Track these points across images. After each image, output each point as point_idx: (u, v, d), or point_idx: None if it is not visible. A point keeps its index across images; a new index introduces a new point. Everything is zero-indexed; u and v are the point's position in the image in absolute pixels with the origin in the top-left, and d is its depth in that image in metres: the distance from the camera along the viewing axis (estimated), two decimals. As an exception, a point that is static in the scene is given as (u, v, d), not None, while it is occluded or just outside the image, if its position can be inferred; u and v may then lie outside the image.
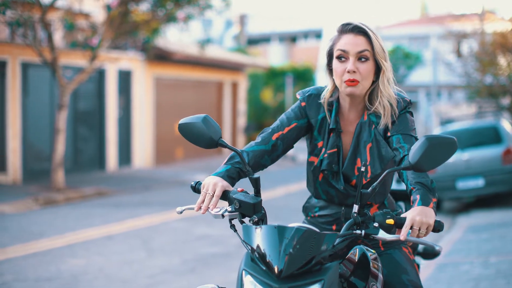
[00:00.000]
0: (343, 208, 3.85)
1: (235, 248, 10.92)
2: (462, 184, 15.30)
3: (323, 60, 3.88)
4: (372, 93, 3.76)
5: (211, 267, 9.67)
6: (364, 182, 3.74)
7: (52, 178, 17.92)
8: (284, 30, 60.83)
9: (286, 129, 3.83)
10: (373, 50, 3.65)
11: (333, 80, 3.79)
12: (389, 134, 3.71)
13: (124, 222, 13.45)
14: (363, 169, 3.27)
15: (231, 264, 9.77)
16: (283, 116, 3.91)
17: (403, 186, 4.93)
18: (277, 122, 3.88)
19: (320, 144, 3.87)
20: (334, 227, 3.91)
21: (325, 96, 3.84)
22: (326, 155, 3.82)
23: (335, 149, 3.81)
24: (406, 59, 39.95)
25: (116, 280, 8.91)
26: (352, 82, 3.63)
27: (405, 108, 3.74)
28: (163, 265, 9.77)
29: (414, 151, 3.23)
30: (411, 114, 3.79)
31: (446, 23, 27.27)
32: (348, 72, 3.62)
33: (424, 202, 3.27)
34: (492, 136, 16.03)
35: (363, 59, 3.64)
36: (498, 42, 21.57)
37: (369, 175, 3.75)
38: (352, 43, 3.64)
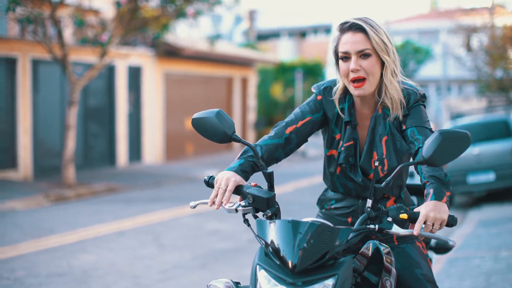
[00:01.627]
0: (360, 200, 3.87)
1: (246, 243, 10.93)
2: (472, 179, 15.27)
3: (332, 56, 3.87)
4: (380, 87, 3.75)
5: (222, 263, 9.68)
6: (382, 175, 3.74)
7: (62, 174, 17.97)
8: (293, 25, 60.75)
9: (300, 123, 3.82)
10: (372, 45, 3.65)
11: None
12: (404, 127, 3.71)
13: (135, 218, 13.47)
14: (376, 163, 3.27)
15: (242, 259, 9.78)
16: (297, 109, 3.90)
17: (415, 181, 4.93)
18: (291, 116, 3.87)
19: (338, 136, 3.87)
20: (349, 220, 3.90)
21: (336, 93, 3.84)
22: (343, 148, 3.82)
23: (352, 142, 3.81)
24: (416, 54, 39.86)
25: (127, 276, 8.93)
26: (359, 83, 3.64)
27: (418, 101, 3.73)
28: (174, 261, 9.79)
29: (427, 146, 3.23)
30: (424, 107, 3.79)
31: (455, 17, 27.19)
32: (352, 71, 3.63)
33: (438, 197, 3.27)
34: (503, 130, 15.99)
35: (365, 56, 3.64)
36: (508, 36, 21.49)
37: (385, 168, 3.75)
38: (351, 42, 3.64)
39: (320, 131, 4.01)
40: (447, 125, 18.19)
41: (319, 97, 3.90)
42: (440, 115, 40.22)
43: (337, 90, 3.84)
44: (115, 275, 8.99)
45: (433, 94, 47.63)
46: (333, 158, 3.90)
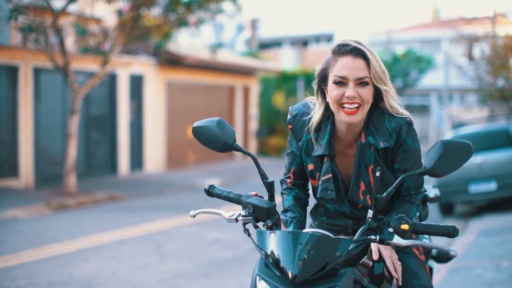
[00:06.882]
0: (350, 220, 3.80)
1: (248, 252, 10.92)
2: (474, 188, 15.23)
3: (315, 79, 3.70)
4: (372, 116, 3.62)
5: (224, 272, 9.67)
6: (370, 203, 3.49)
7: (64, 182, 17.96)
8: (295, 34, 60.73)
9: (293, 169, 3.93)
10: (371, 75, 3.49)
11: (325, 102, 3.66)
12: (396, 165, 3.66)
13: (136, 227, 13.46)
14: (378, 174, 3.24)
15: (243, 268, 9.77)
16: (288, 153, 3.91)
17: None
18: (288, 158, 3.91)
19: (310, 166, 3.76)
20: (342, 235, 3.77)
21: (314, 120, 3.70)
22: (320, 181, 3.72)
23: (330, 175, 3.68)
24: (417, 63, 39.87)
25: (128, 285, 8.91)
26: (352, 110, 3.47)
27: (407, 132, 3.59)
28: (175, 270, 9.77)
29: (429, 156, 3.22)
30: (414, 136, 3.63)
31: (457, 27, 27.18)
32: (348, 97, 3.46)
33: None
34: (505, 139, 15.95)
35: (362, 84, 3.48)
36: (510, 45, 21.50)
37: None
38: (351, 67, 3.47)
39: None
40: (448, 134, 18.15)
41: (289, 127, 3.82)
42: (442, 124, 40.19)
43: (317, 116, 3.69)
44: (117, 283, 8.97)
45: (435, 103, 47.61)
46: (313, 189, 3.84)
